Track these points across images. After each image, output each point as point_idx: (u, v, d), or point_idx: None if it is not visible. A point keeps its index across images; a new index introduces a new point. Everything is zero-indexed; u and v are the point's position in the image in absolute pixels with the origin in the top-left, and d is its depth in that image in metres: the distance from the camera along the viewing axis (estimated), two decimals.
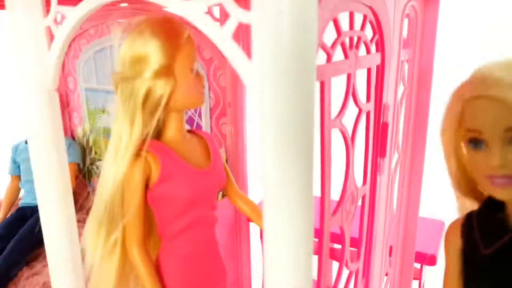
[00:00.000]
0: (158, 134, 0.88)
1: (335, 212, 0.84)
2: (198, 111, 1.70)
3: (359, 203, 1.00)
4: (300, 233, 0.60)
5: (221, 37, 0.63)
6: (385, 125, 1.04)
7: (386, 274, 1.37)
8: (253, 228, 1.76)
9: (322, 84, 0.73)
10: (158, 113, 0.82)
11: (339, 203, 0.85)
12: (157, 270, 0.89)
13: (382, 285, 1.38)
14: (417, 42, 1.23)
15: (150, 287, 0.85)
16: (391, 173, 1.19)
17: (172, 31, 0.81)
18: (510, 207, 0.70)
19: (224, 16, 1.33)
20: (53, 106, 0.90)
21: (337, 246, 1.56)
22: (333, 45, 0.76)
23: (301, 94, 0.58)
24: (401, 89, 1.19)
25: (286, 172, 0.59)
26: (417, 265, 1.57)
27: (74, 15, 0.72)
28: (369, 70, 0.95)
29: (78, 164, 2.20)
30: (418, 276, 1.59)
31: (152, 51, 0.79)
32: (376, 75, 0.99)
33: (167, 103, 0.82)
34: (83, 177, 2.25)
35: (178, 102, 0.83)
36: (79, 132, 2.23)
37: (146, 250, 0.87)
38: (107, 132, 2.06)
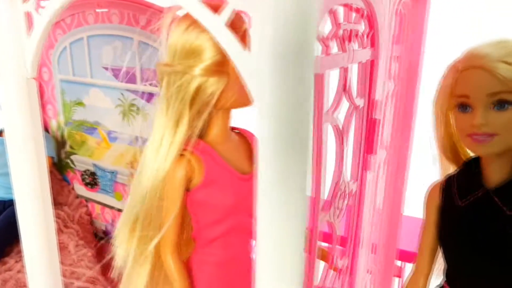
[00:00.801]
0: (202, 133, 0.80)
1: (327, 208, 0.82)
2: None
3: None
4: (292, 229, 0.58)
5: (216, 25, 0.61)
6: (374, 121, 1.03)
7: (369, 272, 1.37)
8: None
9: (318, 77, 0.71)
10: (207, 113, 0.75)
11: (331, 199, 0.83)
12: (189, 274, 0.85)
13: (367, 282, 1.38)
14: (406, 40, 1.22)
15: None
16: (377, 170, 1.19)
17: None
18: (485, 166, 0.84)
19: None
20: (32, 95, 0.85)
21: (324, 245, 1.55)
22: (331, 37, 0.74)
23: (299, 85, 0.56)
24: (390, 86, 1.18)
25: (282, 165, 0.57)
26: (399, 263, 1.58)
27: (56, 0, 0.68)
28: (361, 65, 0.94)
29: (52, 158, 2.13)
30: (399, 274, 1.60)
31: (206, 44, 0.71)
32: (369, 71, 0.97)
33: (217, 102, 0.75)
34: (57, 171, 2.18)
35: (228, 101, 0.76)
36: (53, 125, 2.15)
37: (180, 255, 0.82)
38: (82, 126, 1.99)
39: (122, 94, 1.78)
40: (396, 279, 1.60)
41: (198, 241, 0.84)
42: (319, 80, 0.72)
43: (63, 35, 1.90)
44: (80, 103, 1.98)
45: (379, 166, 1.25)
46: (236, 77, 0.69)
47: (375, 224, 1.31)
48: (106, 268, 1.22)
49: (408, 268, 1.62)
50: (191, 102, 0.73)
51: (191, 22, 0.73)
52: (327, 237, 0.95)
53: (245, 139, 0.87)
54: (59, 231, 1.92)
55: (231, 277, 0.85)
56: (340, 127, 0.84)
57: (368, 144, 1.04)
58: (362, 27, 0.89)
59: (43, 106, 2.15)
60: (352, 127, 0.96)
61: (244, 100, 0.75)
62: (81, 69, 1.90)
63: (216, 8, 0.60)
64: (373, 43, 0.95)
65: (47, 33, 0.80)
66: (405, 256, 1.52)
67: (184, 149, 0.76)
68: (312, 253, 0.84)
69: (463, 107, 0.79)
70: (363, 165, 1.04)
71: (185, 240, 0.87)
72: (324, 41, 0.72)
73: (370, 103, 1.00)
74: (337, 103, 0.82)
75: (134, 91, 1.74)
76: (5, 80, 0.83)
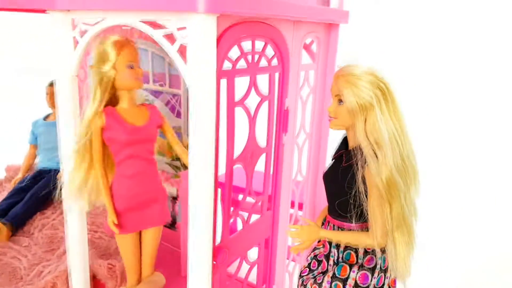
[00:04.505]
0: (114, 103, 1.52)
1: (241, 158, 1.41)
2: (178, 101, 2.26)
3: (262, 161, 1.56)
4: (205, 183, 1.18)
5: (172, 51, 1.21)
6: (286, 111, 1.60)
7: (296, 222, 1.93)
8: None
9: (228, 80, 1.30)
10: (108, 91, 1.48)
11: (242, 151, 1.42)
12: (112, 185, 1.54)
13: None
14: (320, 58, 1.79)
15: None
16: (298, 147, 1.76)
17: (117, 42, 1.45)
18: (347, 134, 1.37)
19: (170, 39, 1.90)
20: (74, 87, 1.48)
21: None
22: (237, 59, 1.33)
23: (207, 85, 1.15)
24: (306, 90, 1.75)
25: (203, 135, 1.16)
26: None
27: (92, 30, 1.30)
28: (270, 75, 1.52)
29: None
30: None
31: (108, 52, 1.44)
32: (279, 78, 1.55)
33: (114, 85, 1.47)
34: None
35: (121, 85, 1.47)
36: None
37: (106, 170, 1.54)
38: None
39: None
40: None
41: (116, 162, 1.53)
42: (229, 82, 1.31)
43: None
44: None
45: (302, 145, 1.82)
46: (121, 70, 1.44)
47: (300, 188, 1.88)
48: None
49: None
50: (99, 85, 1.45)
51: (102, 40, 1.46)
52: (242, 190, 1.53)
53: (145, 109, 1.57)
54: None
55: (139, 186, 1.53)
56: (251, 111, 1.43)
57: (283, 125, 1.61)
58: (269, 52, 1.48)
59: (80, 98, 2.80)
60: (266, 114, 1.54)
61: (128, 84, 1.48)
62: None
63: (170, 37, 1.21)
64: (282, 61, 1.53)
65: (85, 48, 1.43)
66: None
67: (100, 111, 1.46)
68: (228, 188, 1.42)
69: (338, 100, 1.32)
70: (277, 139, 1.61)
71: (110, 162, 1.55)
72: (231, 61, 1.31)
73: (282, 99, 1.58)
74: (246, 94, 1.40)
75: (146, 89, 2.36)
76: (61, 76, 1.46)
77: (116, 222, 1.48)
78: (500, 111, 3.70)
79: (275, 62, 1.53)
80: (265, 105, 1.52)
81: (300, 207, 1.95)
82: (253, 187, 1.53)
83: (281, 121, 1.61)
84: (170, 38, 1.24)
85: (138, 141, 1.50)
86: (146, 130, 1.51)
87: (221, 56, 1.23)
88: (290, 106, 1.63)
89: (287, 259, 1.92)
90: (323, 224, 1.48)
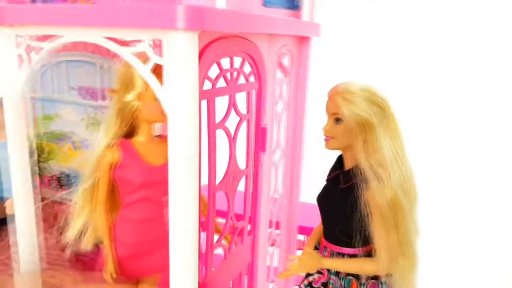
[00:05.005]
0: (131, 135, 1.32)
1: (222, 183, 1.30)
2: None
3: (243, 182, 1.47)
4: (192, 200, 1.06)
5: (145, 71, 1.08)
6: (264, 129, 1.52)
7: (273, 244, 1.84)
8: None
9: (208, 101, 1.19)
10: (128, 122, 1.29)
11: (224, 176, 1.31)
12: (114, 228, 1.34)
13: (273, 254, 1.85)
14: (294, 73, 1.73)
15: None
16: (274, 164, 1.68)
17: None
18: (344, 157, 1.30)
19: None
20: (22, 107, 1.32)
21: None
22: (216, 78, 1.22)
23: (189, 108, 1.04)
24: (280, 105, 1.68)
25: (186, 159, 1.05)
26: (301, 238, 2.07)
27: (44, 47, 1.16)
28: (250, 92, 1.43)
29: None
30: (302, 246, 2.09)
31: (133, 80, 1.23)
32: (256, 95, 1.46)
33: (136, 116, 1.27)
34: None
35: (144, 117, 1.28)
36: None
37: (110, 213, 1.35)
38: (52, 136, 2.40)
39: (85, 109, 2.21)
40: (299, 252, 2.08)
41: (122, 204, 1.33)
42: (209, 104, 1.20)
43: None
44: (49, 117, 2.39)
45: (278, 163, 1.74)
46: (148, 101, 1.20)
47: (276, 206, 1.80)
48: None
49: None
50: (118, 115, 1.25)
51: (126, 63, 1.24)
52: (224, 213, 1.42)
53: (165, 143, 1.37)
54: None
55: (145, 233, 1.34)
56: (230, 132, 1.32)
57: (260, 145, 1.52)
58: (247, 68, 1.39)
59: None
60: (244, 133, 1.45)
61: (154, 117, 1.28)
62: (52, 88, 2.32)
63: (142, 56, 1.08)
64: (259, 77, 1.45)
65: (38, 67, 1.26)
66: (305, 230, 2.01)
67: (113, 144, 1.27)
68: (211, 216, 1.30)
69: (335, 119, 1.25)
70: (256, 159, 1.52)
71: (113, 203, 1.36)
72: (211, 80, 1.20)
73: (259, 117, 1.49)
74: (226, 115, 1.30)
75: (95, 107, 2.18)
76: (7, 96, 1.29)
77: (115, 275, 1.31)
78: (489, 118, 3.65)
79: (251, 79, 1.44)
80: (243, 124, 1.43)
81: (277, 226, 1.87)
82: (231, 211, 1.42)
83: (259, 140, 1.52)
84: (141, 56, 1.12)
85: (153, 183, 1.30)
86: (164, 170, 1.30)
87: (202, 75, 1.13)
88: (267, 123, 1.54)
89: (267, 280, 1.83)
90: (316, 248, 1.40)
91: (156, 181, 1.31)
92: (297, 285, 1.49)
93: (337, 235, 1.27)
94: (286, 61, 1.72)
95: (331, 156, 1.42)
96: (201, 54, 1.10)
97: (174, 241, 1.10)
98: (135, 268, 1.37)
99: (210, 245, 1.30)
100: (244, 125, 1.43)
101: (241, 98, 1.40)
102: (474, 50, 3.43)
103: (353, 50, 3.28)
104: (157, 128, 1.46)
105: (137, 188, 1.29)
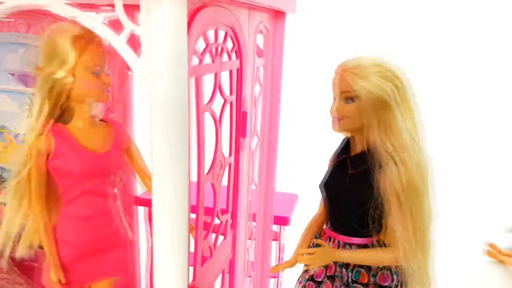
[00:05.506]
0: (65, 119, 1.11)
1: (208, 172, 1.15)
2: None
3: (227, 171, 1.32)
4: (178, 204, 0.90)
5: (119, 42, 0.90)
6: (245, 113, 1.38)
7: (250, 238, 1.72)
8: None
9: (196, 79, 1.04)
10: (61, 104, 1.07)
11: (211, 166, 1.16)
12: (57, 227, 1.15)
13: (250, 248, 1.73)
14: (269, 52, 1.61)
15: None
16: (252, 152, 1.55)
17: (79, 37, 1.05)
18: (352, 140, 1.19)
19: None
20: None
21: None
22: (203, 52, 1.07)
23: (177, 86, 0.88)
24: (257, 88, 1.55)
25: (170, 145, 0.88)
26: (277, 229, 1.97)
27: None
28: (231, 72, 1.28)
29: None
30: (278, 237, 1.99)
31: (65, 52, 1.02)
32: (237, 76, 1.32)
33: (69, 96, 1.07)
34: None
35: (79, 96, 1.09)
36: None
37: (49, 209, 1.14)
38: None
39: (29, 98, 1.93)
40: (274, 243, 1.98)
41: (64, 200, 1.15)
42: (197, 82, 1.05)
43: None
44: None
45: (255, 150, 1.61)
46: (82, 75, 1.03)
47: (254, 197, 1.67)
48: None
49: (285, 231, 2.03)
50: (47, 96, 1.05)
51: (56, 31, 1.04)
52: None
53: (109, 127, 1.19)
54: None
55: (93, 231, 1.17)
56: (216, 115, 1.18)
57: (241, 130, 1.39)
58: (230, 44, 1.24)
59: None
60: (228, 117, 1.30)
61: (90, 95, 1.09)
62: None
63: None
64: (239, 56, 1.31)
65: None
66: (279, 220, 1.91)
67: (44, 130, 1.08)
68: (201, 211, 1.15)
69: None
70: (237, 145, 1.38)
71: (54, 200, 1.17)
72: (198, 55, 1.05)
73: (241, 99, 1.35)
74: (212, 97, 1.15)
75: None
76: None
77: (63, 281, 1.11)
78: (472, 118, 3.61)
79: (233, 57, 1.30)
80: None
81: (254, 217, 1.75)
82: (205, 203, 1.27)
83: (240, 124, 1.39)
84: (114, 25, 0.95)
85: (98, 174, 1.13)
86: (109, 157, 1.15)
87: (191, 48, 0.97)
88: (247, 106, 1.41)
89: (246, 276, 1.71)
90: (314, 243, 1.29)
91: (101, 171, 1.16)
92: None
93: (346, 224, 1.17)
94: (261, 44, 1.59)
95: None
96: (190, 21, 0.95)
97: (159, 244, 0.94)
98: (84, 273, 1.20)
99: (200, 245, 1.15)
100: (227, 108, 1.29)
101: (223, 79, 1.26)
102: (459, 36, 3.43)
103: (327, 30, 3.19)
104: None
105: (78, 180, 1.12)
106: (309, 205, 2.11)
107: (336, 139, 1.35)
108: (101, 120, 1.21)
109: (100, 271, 1.21)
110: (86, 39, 1.05)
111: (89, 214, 1.16)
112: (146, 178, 1.27)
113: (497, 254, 2.78)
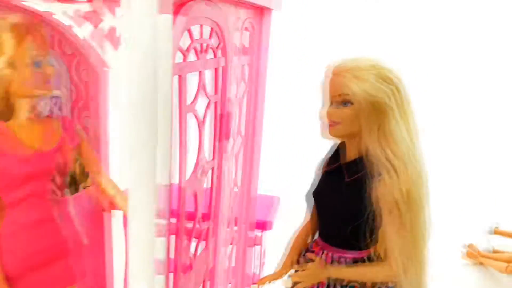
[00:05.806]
0: (7, 117, 1.02)
1: (191, 179, 1.08)
2: (58, 104, 1.77)
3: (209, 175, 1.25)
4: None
5: (95, 37, 0.82)
6: (229, 113, 1.31)
7: (231, 243, 1.65)
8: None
9: (180, 78, 0.96)
10: None
11: (193, 170, 1.09)
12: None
13: (232, 253, 1.66)
14: (255, 50, 1.54)
15: None
16: (235, 153, 1.48)
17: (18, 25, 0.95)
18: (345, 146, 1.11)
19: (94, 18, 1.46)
20: None
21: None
22: (188, 49, 0.99)
23: (160, 85, 0.80)
24: (242, 87, 1.48)
25: (148, 146, 0.81)
26: (258, 234, 1.90)
27: None
28: (216, 70, 1.21)
29: None
30: (259, 242, 1.92)
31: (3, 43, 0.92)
32: (223, 74, 1.25)
33: (8, 91, 0.97)
34: None
35: (18, 90, 0.99)
36: None
37: None
38: None
39: None
40: (258, 248, 1.92)
41: (5, 205, 1.05)
42: (181, 80, 0.97)
43: None
44: None
45: (238, 152, 1.54)
46: (22, 68, 0.94)
47: (236, 201, 1.61)
48: None
49: (266, 235, 1.96)
50: None
51: None
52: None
53: (55, 123, 1.10)
54: None
55: (40, 238, 1.07)
56: (200, 116, 1.10)
57: (224, 132, 1.32)
58: (215, 41, 1.17)
59: None
60: (211, 118, 1.23)
61: (31, 89, 1.00)
62: None
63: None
64: (225, 52, 1.23)
65: None
66: (261, 224, 1.85)
67: None
68: (182, 218, 1.08)
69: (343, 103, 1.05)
70: (220, 148, 1.31)
71: None
72: (183, 52, 0.97)
73: (225, 100, 1.28)
74: (196, 97, 1.07)
75: None
76: None
77: None
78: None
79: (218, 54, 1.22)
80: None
81: (235, 222, 1.68)
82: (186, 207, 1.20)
83: (223, 126, 1.32)
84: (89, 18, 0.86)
85: (43, 174, 1.04)
86: (54, 156, 1.05)
87: (175, 44, 0.89)
88: (232, 106, 1.34)
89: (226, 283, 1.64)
90: (304, 254, 1.22)
91: (46, 171, 1.07)
92: None
93: (340, 236, 1.10)
94: (246, 41, 1.52)
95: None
96: (175, 14, 0.87)
97: (134, 251, 0.86)
98: (32, 286, 1.10)
99: (179, 251, 1.08)
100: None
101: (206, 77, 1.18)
102: (452, 31, 3.39)
103: (312, 28, 3.11)
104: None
105: (21, 182, 1.03)
106: (291, 207, 2.06)
107: (318, 139, 1.28)
108: (47, 116, 1.11)
109: (50, 283, 1.11)
110: (26, 27, 0.95)
111: (34, 220, 1.06)
112: (98, 175, 1.18)
113: (476, 255, 2.80)
